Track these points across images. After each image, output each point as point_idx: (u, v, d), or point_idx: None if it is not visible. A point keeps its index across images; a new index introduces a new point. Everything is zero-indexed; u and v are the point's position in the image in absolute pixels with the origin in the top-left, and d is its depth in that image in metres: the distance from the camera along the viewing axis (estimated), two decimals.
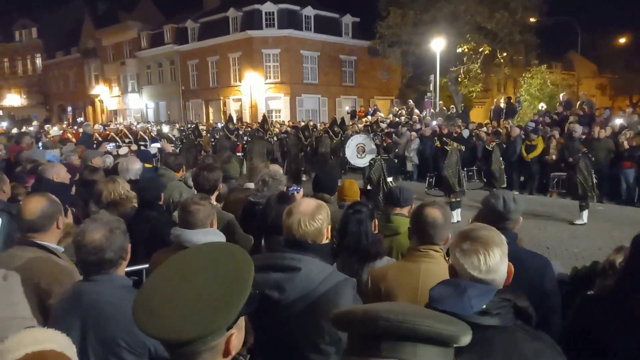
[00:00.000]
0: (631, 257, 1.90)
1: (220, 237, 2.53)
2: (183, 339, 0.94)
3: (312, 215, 1.90)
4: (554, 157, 11.60)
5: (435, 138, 10.92)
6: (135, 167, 4.65)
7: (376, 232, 2.83)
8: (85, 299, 1.91)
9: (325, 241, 1.96)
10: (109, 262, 1.96)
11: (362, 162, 10.03)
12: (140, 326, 0.97)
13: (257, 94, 31.39)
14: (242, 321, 1.07)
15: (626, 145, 10.38)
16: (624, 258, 2.07)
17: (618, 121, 12.34)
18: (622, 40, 32.64)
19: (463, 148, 9.96)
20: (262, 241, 2.69)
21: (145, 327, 0.96)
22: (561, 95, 17.42)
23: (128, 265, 2.19)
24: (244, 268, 1.04)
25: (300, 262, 1.83)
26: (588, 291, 2.49)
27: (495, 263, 1.55)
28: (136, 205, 3.60)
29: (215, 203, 3.47)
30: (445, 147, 9.64)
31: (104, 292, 1.92)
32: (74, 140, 14.49)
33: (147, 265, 2.85)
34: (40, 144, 9.94)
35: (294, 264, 1.83)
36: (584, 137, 11.21)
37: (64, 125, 24.81)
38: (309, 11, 31.69)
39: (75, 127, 22.57)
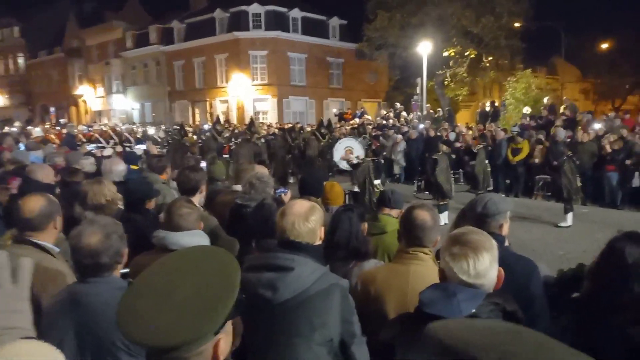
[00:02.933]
0: (601, 258, 1.92)
1: (206, 239, 2.54)
2: (169, 344, 0.91)
3: (306, 216, 1.93)
4: (536, 160, 11.75)
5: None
6: (119, 168, 4.57)
7: (365, 234, 2.85)
8: (82, 301, 1.90)
9: (318, 242, 1.98)
10: (104, 266, 1.95)
11: (350, 165, 10.04)
12: (123, 332, 0.94)
13: (244, 95, 31.27)
14: (229, 325, 1.05)
15: (608, 149, 10.54)
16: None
17: (597, 125, 12.51)
18: (605, 45, 33.29)
19: (451, 154, 10.04)
20: (253, 244, 2.69)
21: (129, 333, 0.93)
22: (545, 99, 17.67)
23: None
24: (231, 272, 1.02)
25: (294, 262, 1.84)
26: (574, 294, 2.51)
27: (484, 268, 1.55)
28: (121, 207, 3.55)
29: (199, 206, 3.42)
30: (434, 157, 9.67)
31: (100, 293, 1.91)
32: (57, 141, 14.27)
33: (127, 270, 2.79)
34: (21, 145, 9.75)
35: (287, 263, 1.84)
36: (568, 140, 11.38)
37: (47, 126, 24.44)
38: (296, 13, 31.70)
39: (58, 128, 22.25)
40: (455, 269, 1.55)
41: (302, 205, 1.97)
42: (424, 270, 2.17)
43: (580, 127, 12.27)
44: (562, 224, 8.84)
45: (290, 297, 1.81)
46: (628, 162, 10.42)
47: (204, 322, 0.93)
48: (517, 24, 23.87)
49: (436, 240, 2.29)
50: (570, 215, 8.89)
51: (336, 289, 1.86)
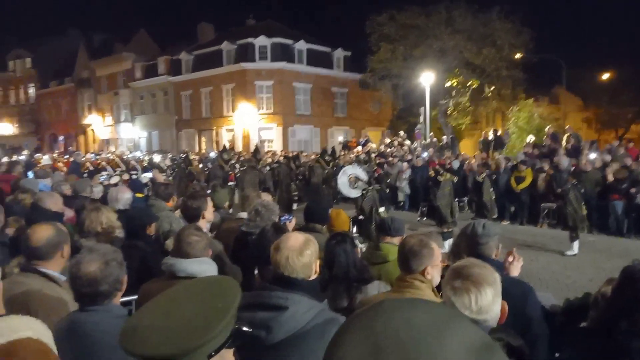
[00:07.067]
0: (618, 287, 1.91)
1: (213, 266, 2.53)
2: (158, 354, 0.96)
3: (301, 250, 1.86)
4: (540, 190, 11.65)
5: (431, 168, 10.97)
6: (125, 196, 4.61)
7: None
8: (81, 329, 1.90)
9: (314, 276, 1.92)
10: (103, 294, 1.96)
11: (355, 192, 10.05)
12: (121, 344, 0.99)
13: (249, 124, 31.65)
14: (227, 353, 1.08)
15: (611, 177, 10.49)
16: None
17: (592, 155, 12.41)
18: (606, 76, 33.63)
19: (455, 179, 10.05)
20: (256, 271, 2.68)
21: (126, 344, 0.99)
22: (547, 127, 17.77)
23: None
24: (230, 296, 1.07)
25: (288, 301, 1.78)
26: (581, 323, 2.49)
27: (487, 303, 1.51)
28: (120, 235, 3.57)
29: (207, 232, 3.45)
30: (438, 178, 9.71)
31: (100, 322, 1.91)
32: (64, 169, 14.42)
33: (136, 297, 2.80)
34: (30, 172, 9.87)
35: (281, 302, 1.78)
36: (572, 169, 11.37)
37: (55, 155, 24.72)
38: (301, 45, 32.37)
39: (67, 156, 22.50)
40: (457, 303, 1.51)
41: (296, 239, 1.91)
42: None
43: (584, 155, 12.26)
44: (568, 253, 8.75)
45: (285, 337, 1.74)
46: (633, 190, 10.37)
47: (194, 337, 0.97)
48: (518, 55, 24.24)
49: (425, 269, 2.26)
50: (576, 244, 8.81)
51: (332, 326, 1.78)
